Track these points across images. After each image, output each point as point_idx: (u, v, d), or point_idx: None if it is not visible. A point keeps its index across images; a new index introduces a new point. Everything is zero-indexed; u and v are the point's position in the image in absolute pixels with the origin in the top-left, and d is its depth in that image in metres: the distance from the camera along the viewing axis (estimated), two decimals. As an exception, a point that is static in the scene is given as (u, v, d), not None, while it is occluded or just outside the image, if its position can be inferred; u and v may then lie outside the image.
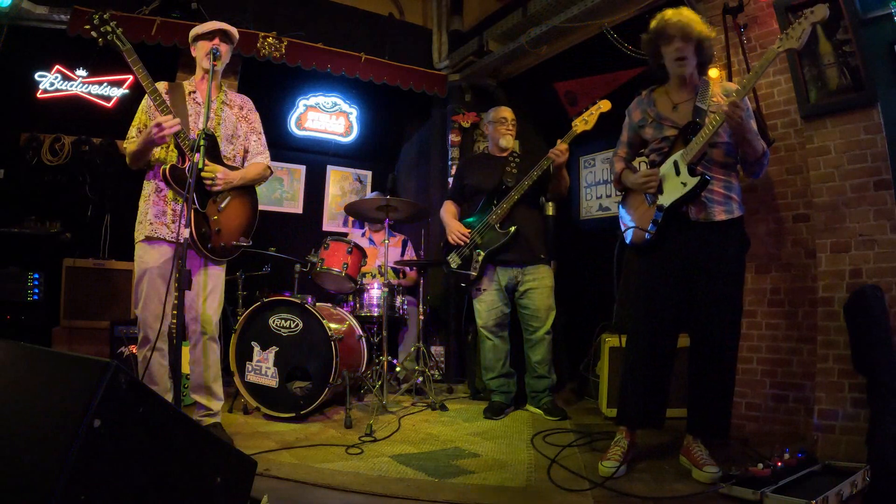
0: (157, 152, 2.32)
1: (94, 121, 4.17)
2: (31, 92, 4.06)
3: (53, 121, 4.10)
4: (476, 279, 3.18)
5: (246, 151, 2.55)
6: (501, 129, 3.33)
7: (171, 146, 2.30)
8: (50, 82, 4.10)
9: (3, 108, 3.94)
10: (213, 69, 2.23)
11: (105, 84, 4.22)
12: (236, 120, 2.50)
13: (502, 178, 3.17)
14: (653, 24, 2.17)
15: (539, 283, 3.13)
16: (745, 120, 1.95)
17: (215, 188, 2.30)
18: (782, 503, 1.64)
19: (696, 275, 2.09)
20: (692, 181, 2.03)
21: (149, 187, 2.35)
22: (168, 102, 2.27)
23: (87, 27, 2.15)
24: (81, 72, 4.16)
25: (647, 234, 2.13)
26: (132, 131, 2.34)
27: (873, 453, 1.94)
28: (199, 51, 2.42)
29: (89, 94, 4.19)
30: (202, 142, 2.06)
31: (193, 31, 2.43)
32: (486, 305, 3.19)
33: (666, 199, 2.10)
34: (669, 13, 2.12)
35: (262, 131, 2.61)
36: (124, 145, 2.33)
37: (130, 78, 4.20)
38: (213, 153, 2.35)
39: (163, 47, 3.76)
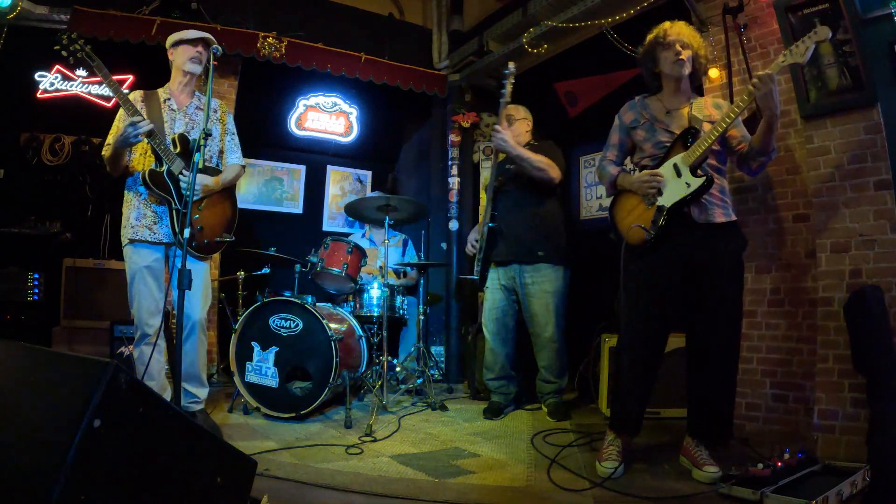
0: (135, 159, 2.43)
1: (94, 121, 4.16)
2: (31, 92, 4.06)
3: (53, 121, 4.10)
4: (480, 280, 3.18)
5: (221, 152, 2.64)
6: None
7: (149, 152, 2.40)
8: (50, 82, 4.10)
9: (3, 108, 3.94)
10: (213, 68, 2.21)
11: (105, 84, 4.21)
12: (212, 122, 2.59)
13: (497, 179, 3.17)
14: (650, 35, 2.22)
15: (538, 287, 3.07)
16: (775, 96, 1.91)
17: (199, 195, 2.41)
18: (782, 503, 1.64)
19: (699, 276, 2.09)
20: (696, 181, 2.03)
21: (128, 194, 2.45)
22: (144, 111, 2.38)
23: (57, 47, 2.21)
24: (81, 72, 4.15)
25: (647, 234, 2.13)
26: (109, 138, 2.42)
27: (873, 453, 1.94)
28: (181, 55, 2.49)
29: (89, 94, 4.19)
30: (202, 141, 2.10)
31: (176, 36, 2.49)
32: (487, 304, 3.19)
33: (667, 200, 2.09)
34: (668, 24, 2.18)
35: (236, 131, 2.72)
36: (102, 153, 2.42)
37: (131, 78, 4.20)
38: (188, 157, 2.38)
39: (163, 47, 3.74)
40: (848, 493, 1.74)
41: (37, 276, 3.65)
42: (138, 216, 2.39)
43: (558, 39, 3.85)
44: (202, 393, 2.55)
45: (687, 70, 2.15)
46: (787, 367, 2.60)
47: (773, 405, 2.61)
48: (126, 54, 3.83)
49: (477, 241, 3.21)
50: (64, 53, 2.23)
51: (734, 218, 2.15)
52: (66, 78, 4.13)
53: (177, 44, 2.50)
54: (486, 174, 4.75)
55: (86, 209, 4.05)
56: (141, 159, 2.41)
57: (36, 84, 4.07)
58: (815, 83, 2.46)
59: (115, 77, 4.17)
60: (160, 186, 2.32)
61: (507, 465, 2.20)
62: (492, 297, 3.17)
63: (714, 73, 2.96)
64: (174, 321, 2.46)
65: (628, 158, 2.40)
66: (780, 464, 1.87)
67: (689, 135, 2.09)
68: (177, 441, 1.16)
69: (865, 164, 2.31)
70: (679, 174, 2.08)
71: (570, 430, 2.78)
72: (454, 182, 4.72)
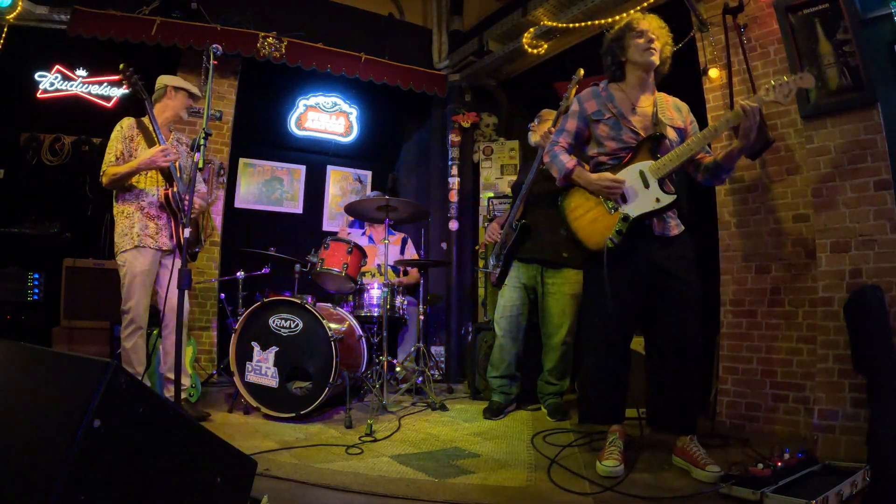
0: (136, 177, 2.72)
1: (94, 121, 4.17)
2: (31, 92, 4.06)
3: (53, 121, 4.11)
4: (500, 276, 3.17)
5: (191, 181, 2.88)
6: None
7: (150, 174, 2.74)
8: (50, 82, 4.10)
9: (3, 108, 3.94)
10: (213, 68, 2.38)
11: (105, 84, 4.22)
12: (187, 156, 2.92)
13: (527, 175, 3.12)
14: (621, 23, 2.22)
15: (558, 288, 3.06)
16: (755, 129, 1.96)
17: (193, 214, 2.72)
18: (782, 503, 1.64)
19: (664, 282, 2.11)
20: (667, 199, 2.06)
21: (129, 207, 2.73)
22: (142, 139, 2.72)
23: (119, 76, 2.62)
24: (81, 72, 4.16)
25: (611, 241, 2.10)
26: (110, 157, 2.68)
27: (873, 453, 1.94)
28: (181, 101, 2.84)
29: (89, 94, 4.19)
30: (202, 141, 2.18)
31: (185, 84, 2.83)
32: (503, 300, 3.16)
33: (634, 210, 2.09)
34: (639, 15, 2.20)
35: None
36: (104, 169, 2.68)
37: (130, 78, 4.19)
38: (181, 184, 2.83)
39: (163, 47, 3.76)
40: (848, 493, 1.74)
41: (37, 276, 3.65)
42: (143, 227, 2.71)
43: (558, 39, 3.86)
44: (186, 381, 2.83)
45: (657, 60, 2.14)
46: (787, 367, 2.60)
47: (773, 405, 2.62)
48: (126, 54, 3.83)
49: (498, 233, 3.19)
50: (125, 84, 2.64)
51: (683, 228, 2.20)
52: (66, 78, 4.13)
53: (180, 88, 2.83)
54: (486, 174, 4.76)
55: (86, 209, 4.06)
56: (143, 178, 2.73)
57: (36, 84, 4.07)
58: (815, 83, 2.46)
59: (114, 77, 4.23)
60: (175, 204, 2.75)
61: (507, 465, 2.20)
62: (509, 294, 3.14)
63: (714, 73, 2.96)
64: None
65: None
66: (780, 464, 1.87)
67: (656, 141, 2.10)
68: (177, 441, 1.16)
69: (865, 164, 2.31)
70: (647, 185, 2.08)
71: (569, 430, 2.78)
72: (454, 182, 4.72)
